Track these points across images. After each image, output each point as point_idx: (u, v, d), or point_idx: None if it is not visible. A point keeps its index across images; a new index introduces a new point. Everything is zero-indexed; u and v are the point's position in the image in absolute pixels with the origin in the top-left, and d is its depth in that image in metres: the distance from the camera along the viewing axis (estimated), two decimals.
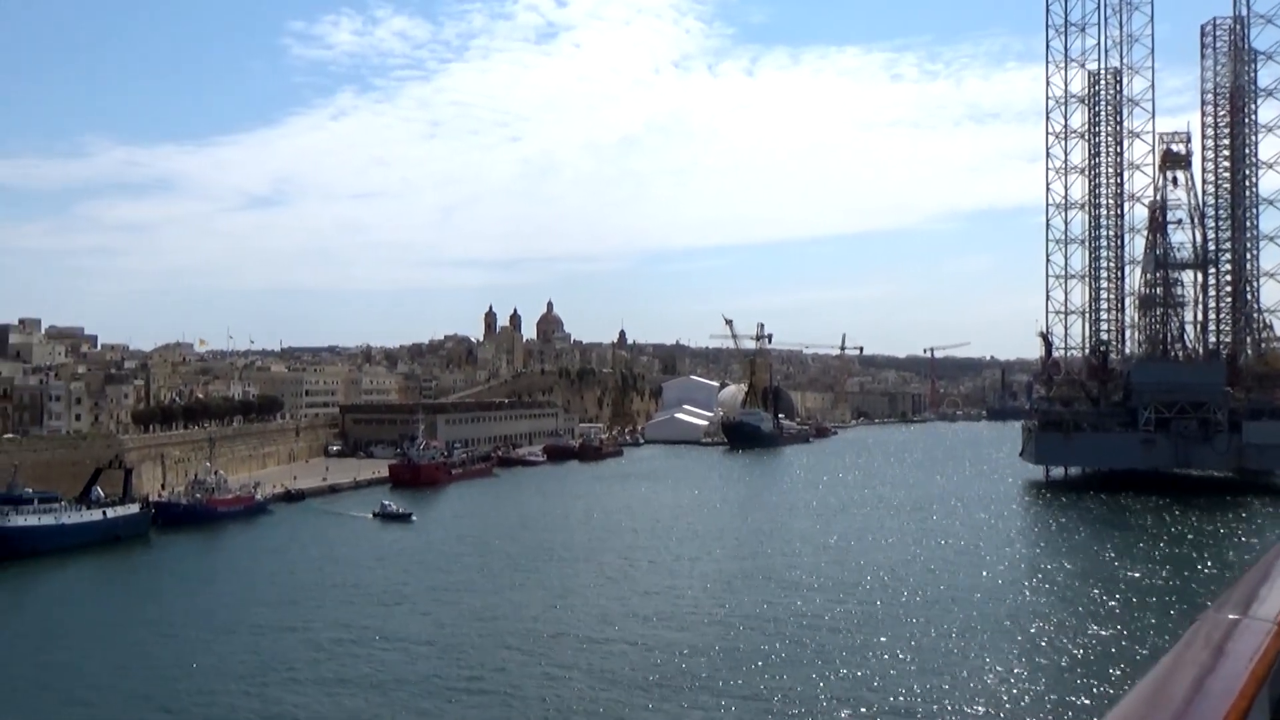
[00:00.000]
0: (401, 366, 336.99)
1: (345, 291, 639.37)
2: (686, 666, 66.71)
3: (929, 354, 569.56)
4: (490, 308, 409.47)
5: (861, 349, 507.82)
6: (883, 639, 73.28)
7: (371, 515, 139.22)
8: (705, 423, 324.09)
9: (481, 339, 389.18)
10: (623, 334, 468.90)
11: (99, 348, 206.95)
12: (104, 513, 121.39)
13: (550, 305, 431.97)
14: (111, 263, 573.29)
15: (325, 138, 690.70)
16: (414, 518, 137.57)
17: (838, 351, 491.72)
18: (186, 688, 65.21)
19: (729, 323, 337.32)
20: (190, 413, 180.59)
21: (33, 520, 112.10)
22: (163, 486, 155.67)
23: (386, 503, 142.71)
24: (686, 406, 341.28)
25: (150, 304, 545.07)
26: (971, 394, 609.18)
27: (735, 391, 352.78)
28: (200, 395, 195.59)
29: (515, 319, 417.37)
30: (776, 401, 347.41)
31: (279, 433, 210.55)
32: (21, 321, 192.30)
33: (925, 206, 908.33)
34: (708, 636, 75.11)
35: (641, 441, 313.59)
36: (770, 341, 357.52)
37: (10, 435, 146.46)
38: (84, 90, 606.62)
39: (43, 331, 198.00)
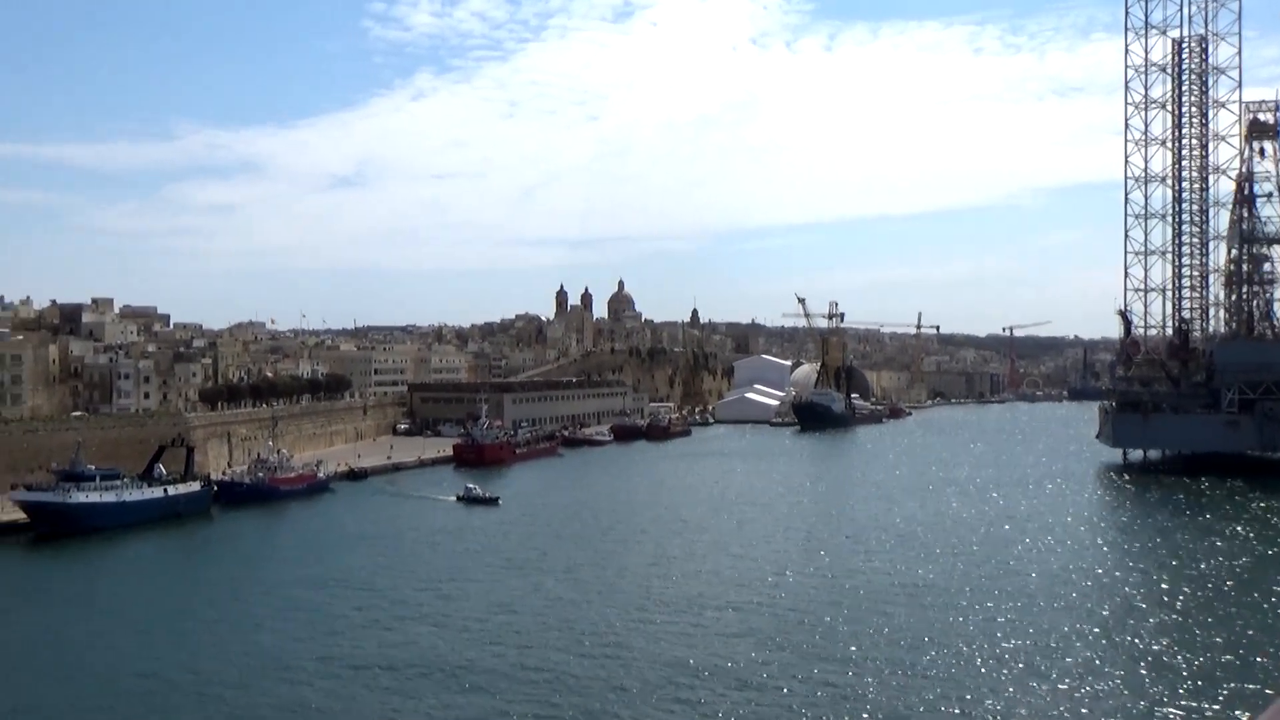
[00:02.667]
0: (472, 346, 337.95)
1: (422, 271, 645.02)
2: (755, 638, 64.91)
3: (1008, 333, 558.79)
4: (561, 286, 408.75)
5: (938, 328, 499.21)
6: (948, 623, 70.69)
7: (456, 499, 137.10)
8: (776, 403, 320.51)
9: (552, 318, 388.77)
10: (695, 313, 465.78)
11: (171, 327, 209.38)
12: (165, 490, 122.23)
13: (621, 284, 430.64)
14: (196, 244, 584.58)
15: (405, 119, 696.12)
16: (500, 501, 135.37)
17: (914, 330, 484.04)
18: (239, 666, 65.03)
19: (802, 301, 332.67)
20: (257, 391, 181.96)
21: (94, 497, 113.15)
22: (229, 464, 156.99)
23: (471, 486, 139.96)
24: (758, 386, 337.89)
25: (229, 284, 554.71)
26: (1053, 374, 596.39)
27: (809, 371, 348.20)
28: (269, 374, 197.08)
29: (586, 298, 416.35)
30: (850, 381, 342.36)
31: (346, 411, 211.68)
32: (94, 301, 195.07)
33: (1007, 182, 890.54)
34: (773, 615, 73.23)
35: (711, 421, 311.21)
36: (844, 320, 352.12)
37: (78, 413, 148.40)
38: (172, 75, 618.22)
39: (116, 311, 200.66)
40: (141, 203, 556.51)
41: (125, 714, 57.58)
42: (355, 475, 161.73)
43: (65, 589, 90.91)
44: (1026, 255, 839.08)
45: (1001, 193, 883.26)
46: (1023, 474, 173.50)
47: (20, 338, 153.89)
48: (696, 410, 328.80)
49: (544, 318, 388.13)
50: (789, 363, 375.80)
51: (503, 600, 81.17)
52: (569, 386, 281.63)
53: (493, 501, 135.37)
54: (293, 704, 58.03)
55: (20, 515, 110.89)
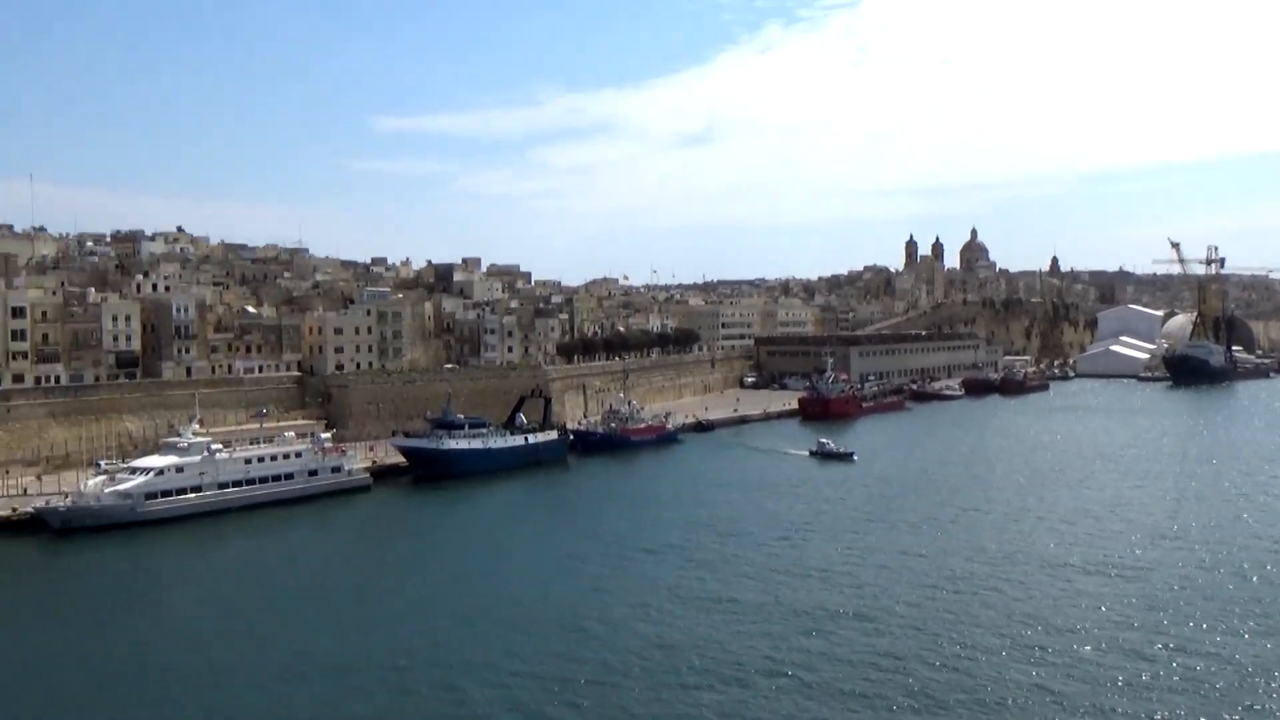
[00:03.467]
0: (819, 298, 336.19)
1: (771, 225, 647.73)
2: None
3: None
4: (911, 237, 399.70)
5: None
6: None
7: (809, 453, 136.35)
8: (1145, 356, 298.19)
9: (901, 269, 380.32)
10: (1055, 261, 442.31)
11: (532, 284, 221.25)
12: (526, 438, 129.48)
13: (974, 233, 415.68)
14: (557, 204, 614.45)
15: (754, 73, 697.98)
16: (855, 457, 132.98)
17: None
18: (606, 600, 68.45)
19: (1176, 246, 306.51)
20: (610, 345, 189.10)
21: (463, 444, 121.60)
22: (584, 415, 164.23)
23: (824, 441, 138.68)
24: (1124, 338, 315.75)
25: (585, 242, 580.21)
26: None
27: (1183, 322, 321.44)
28: (621, 328, 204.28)
29: (937, 248, 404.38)
30: (1231, 332, 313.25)
31: (695, 364, 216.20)
32: (464, 261, 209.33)
33: None
34: (1147, 592, 68.28)
35: (1071, 375, 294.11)
36: (1224, 266, 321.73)
37: (450, 365, 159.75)
38: (537, 42, 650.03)
39: (484, 270, 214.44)
40: (511, 168, 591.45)
41: (487, 631, 61.56)
42: (703, 427, 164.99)
43: (438, 524, 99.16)
44: None
45: None
46: None
47: (400, 296, 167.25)
48: (1055, 364, 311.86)
49: (893, 269, 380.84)
50: (1160, 313, 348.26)
51: (888, 557, 79.57)
52: (918, 339, 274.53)
53: (847, 457, 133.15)
54: (654, 636, 59.65)
55: (401, 459, 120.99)
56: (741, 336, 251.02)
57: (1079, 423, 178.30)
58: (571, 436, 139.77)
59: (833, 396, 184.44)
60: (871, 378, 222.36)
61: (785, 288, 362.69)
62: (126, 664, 57.98)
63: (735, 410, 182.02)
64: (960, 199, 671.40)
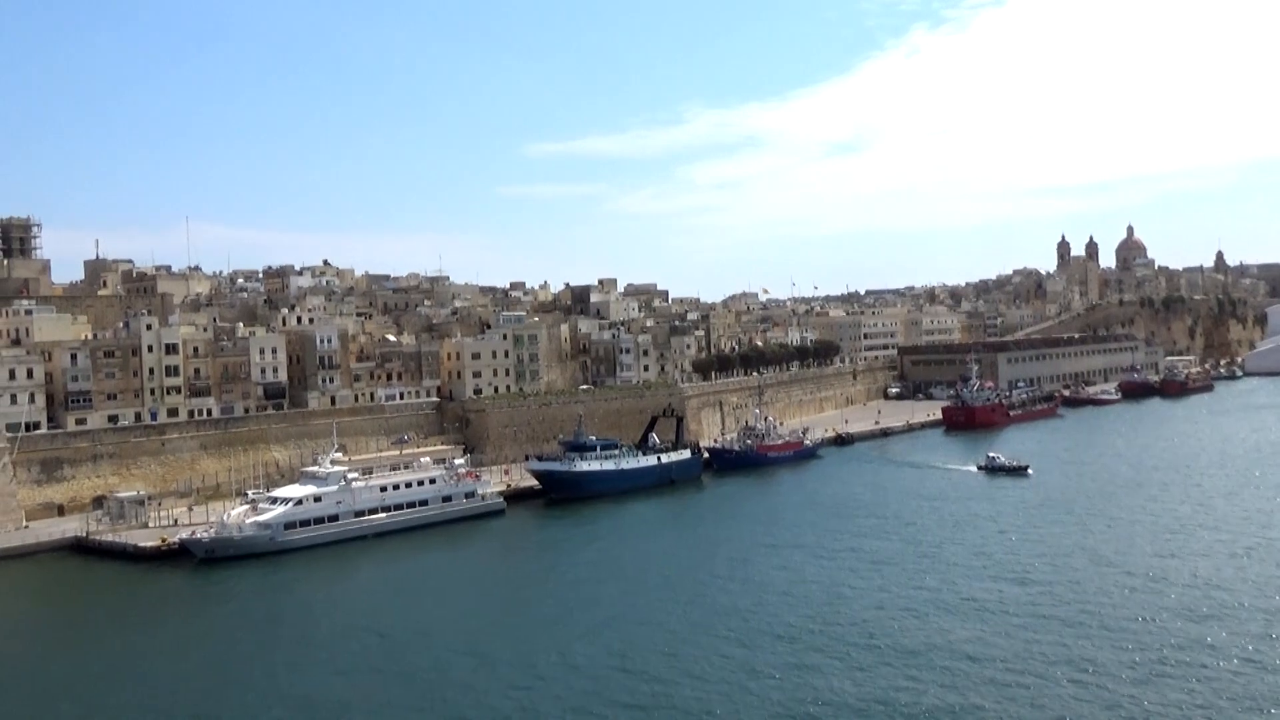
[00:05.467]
0: (965, 304, 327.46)
1: (919, 231, 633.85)
2: None
3: None
4: (1063, 237, 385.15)
5: None
6: None
7: (976, 468, 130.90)
8: None
9: (1052, 271, 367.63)
10: (1220, 255, 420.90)
11: (668, 302, 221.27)
12: (659, 458, 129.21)
13: (1130, 230, 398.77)
14: (702, 221, 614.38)
15: (901, 77, 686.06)
16: (1030, 471, 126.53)
17: None
18: (733, 623, 68.05)
19: None
20: (747, 360, 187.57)
21: (595, 465, 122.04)
22: (721, 431, 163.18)
23: (994, 455, 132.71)
24: None
25: (727, 257, 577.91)
26: None
27: None
28: (758, 343, 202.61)
29: (1091, 247, 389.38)
30: None
31: (835, 376, 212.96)
32: (601, 282, 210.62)
33: None
34: None
35: (1239, 374, 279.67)
36: None
37: (585, 386, 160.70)
38: (681, 61, 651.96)
39: (620, 290, 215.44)
40: (657, 187, 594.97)
41: (613, 641, 61.51)
42: (842, 440, 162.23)
43: (570, 544, 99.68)
44: None
45: None
46: None
47: (536, 319, 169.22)
48: (1221, 363, 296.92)
49: (1043, 271, 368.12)
50: None
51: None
52: (1070, 343, 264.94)
53: (1020, 471, 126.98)
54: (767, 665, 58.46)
55: (535, 482, 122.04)
56: (885, 347, 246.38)
57: (1260, 422, 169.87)
58: (706, 455, 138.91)
59: (978, 405, 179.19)
60: (1021, 384, 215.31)
61: (931, 295, 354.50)
62: (263, 691, 59.63)
63: (877, 422, 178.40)
64: (1115, 195, 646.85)
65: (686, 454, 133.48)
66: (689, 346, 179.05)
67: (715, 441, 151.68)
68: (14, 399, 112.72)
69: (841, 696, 54.77)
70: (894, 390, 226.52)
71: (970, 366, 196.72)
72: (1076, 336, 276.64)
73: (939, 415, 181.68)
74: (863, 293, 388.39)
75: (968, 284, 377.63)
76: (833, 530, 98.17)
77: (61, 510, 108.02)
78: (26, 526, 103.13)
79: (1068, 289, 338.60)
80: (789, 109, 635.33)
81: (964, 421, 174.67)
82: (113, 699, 59.42)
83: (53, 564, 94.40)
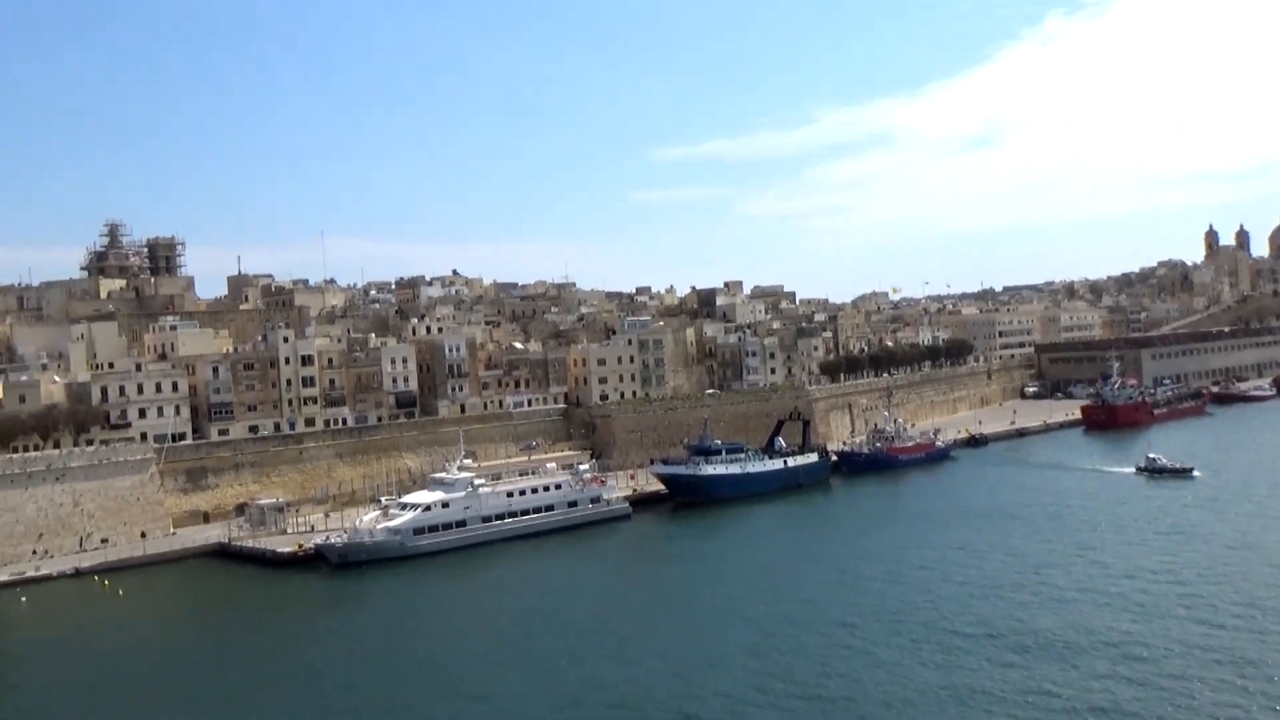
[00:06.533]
0: (1106, 299, 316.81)
1: (1057, 224, 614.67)
2: None
3: None
4: (1210, 226, 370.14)
5: None
6: None
7: (1135, 470, 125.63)
8: None
9: (1200, 262, 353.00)
10: None
11: (796, 304, 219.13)
12: (785, 462, 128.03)
13: None
14: (831, 221, 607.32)
15: (1037, 67, 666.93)
16: (1196, 472, 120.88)
17: None
18: (864, 634, 66.98)
19: None
20: (876, 361, 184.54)
21: (721, 469, 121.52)
22: (850, 434, 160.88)
23: (1154, 456, 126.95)
24: None
25: (857, 257, 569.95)
26: None
27: None
28: (888, 343, 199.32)
29: (1241, 236, 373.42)
30: None
31: (969, 376, 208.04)
32: (727, 285, 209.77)
33: None
34: None
35: None
36: None
37: (711, 390, 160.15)
38: (808, 60, 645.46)
39: (746, 293, 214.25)
40: (786, 187, 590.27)
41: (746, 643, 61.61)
42: (976, 442, 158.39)
43: (694, 551, 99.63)
44: None
45: None
46: None
47: (661, 324, 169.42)
48: None
49: (1190, 263, 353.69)
50: None
51: None
52: (1220, 337, 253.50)
53: (1185, 473, 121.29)
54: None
55: (661, 486, 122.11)
56: (1021, 345, 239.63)
57: None
58: (834, 458, 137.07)
59: (1119, 403, 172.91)
60: (1167, 381, 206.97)
61: (1070, 290, 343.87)
62: (401, 685, 61.31)
63: (1012, 422, 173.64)
64: (1268, 180, 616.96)
65: (813, 457, 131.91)
66: (816, 348, 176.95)
67: (844, 444, 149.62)
68: (161, 411, 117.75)
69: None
70: (1031, 389, 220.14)
71: (1111, 363, 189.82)
72: (1226, 330, 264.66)
73: (1078, 415, 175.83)
74: (998, 290, 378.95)
75: (1109, 278, 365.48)
76: (987, 531, 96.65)
77: (207, 517, 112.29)
78: (174, 533, 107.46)
79: (1216, 280, 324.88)
80: (920, 104, 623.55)
81: (1105, 421, 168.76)
82: (255, 690, 62.88)
83: (198, 569, 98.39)
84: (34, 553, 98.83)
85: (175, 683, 65.50)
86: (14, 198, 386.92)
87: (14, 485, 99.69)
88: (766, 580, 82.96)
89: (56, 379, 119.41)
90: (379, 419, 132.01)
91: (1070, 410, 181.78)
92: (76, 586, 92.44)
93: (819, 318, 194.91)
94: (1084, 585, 75.29)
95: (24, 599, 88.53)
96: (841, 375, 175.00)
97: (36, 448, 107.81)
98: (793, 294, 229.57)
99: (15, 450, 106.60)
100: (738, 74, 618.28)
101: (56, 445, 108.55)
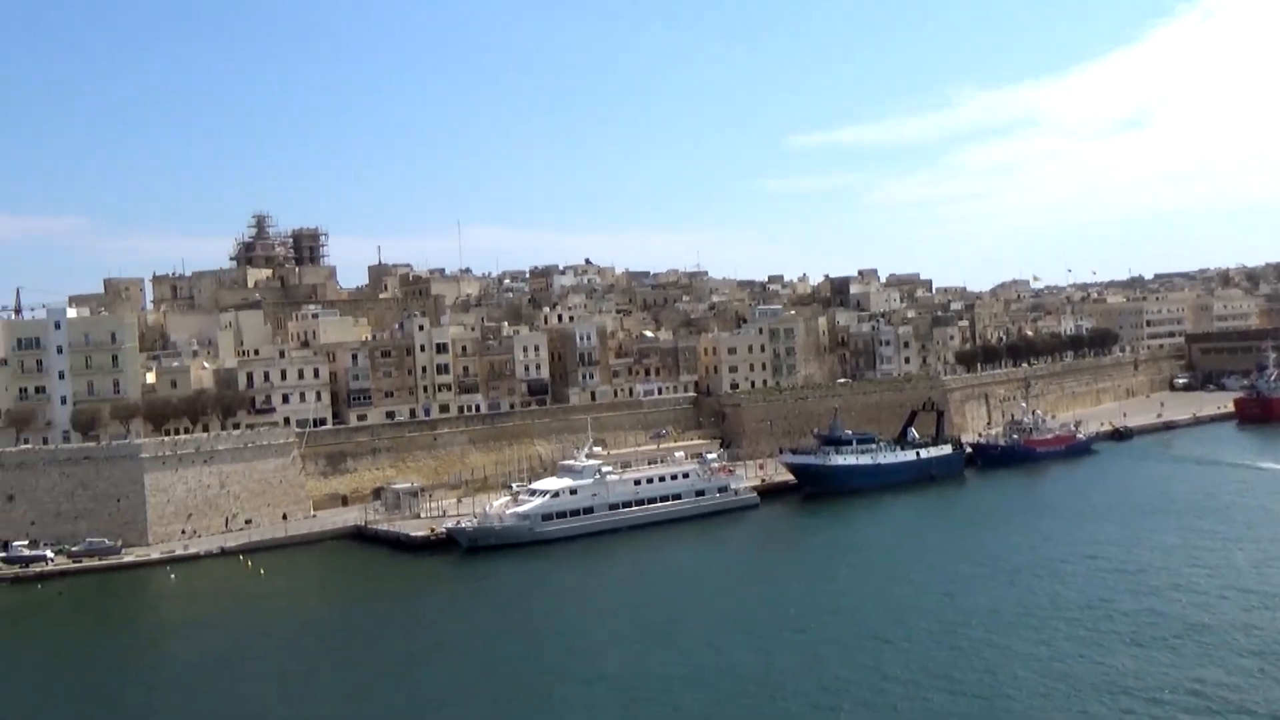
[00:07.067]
0: (1264, 287, 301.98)
1: (1213, 209, 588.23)
2: None
3: None
4: None
5: None
6: None
7: None
8: None
9: None
10: None
11: (932, 292, 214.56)
12: (917, 453, 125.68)
13: None
14: (973, 207, 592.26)
15: (1194, 44, 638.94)
16: None
17: None
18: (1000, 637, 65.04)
19: None
20: (1015, 350, 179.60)
21: (851, 460, 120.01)
22: (988, 425, 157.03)
23: None
24: None
25: (997, 244, 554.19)
26: None
27: None
28: (1028, 332, 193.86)
29: None
30: None
31: (1114, 367, 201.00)
32: (860, 273, 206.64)
33: None
34: None
35: None
36: None
37: (843, 379, 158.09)
38: (948, 42, 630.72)
39: (881, 281, 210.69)
40: (926, 173, 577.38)
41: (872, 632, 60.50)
42: (1120, 435, 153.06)
43: (823, 542, 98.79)
44: None
45: None
46: None
47: (792, 313, 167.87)
48: None
49: None
50: None
51: None
52: None
53: None
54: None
55: (790, 476, 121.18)
56: (1170, 334, 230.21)
57: None
58: (970, 450, 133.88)
59: (1276, 396, 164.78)
60: None
61: (1224, 278, 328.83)
62: (508, 670, 62.34)
63: (1159, 415, 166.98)
64: None
65: (947, 449, 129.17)
66: (952, 337, 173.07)
67: (979, 436, 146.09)
68: (303, 397, 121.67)
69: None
70: (1181, 381, 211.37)
71: (1268, 354, 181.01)
72: None
73: (1230, 408, 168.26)
74: (1148, 278, 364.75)
75: (1267, 265, 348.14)
76: (1131, 527, 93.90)
77: (345, 501, 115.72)
78: (314, 515, 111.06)
79: None
80: (1067, 85, 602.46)
81: (1260, 414, 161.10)
82: (390, 666, 64.72)
83: (337, 550, 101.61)
84: (183, 532, 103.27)
85: (312, 658, 68.07)
86: (172, 192, 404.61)
87: (165, 467, 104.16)
88: (897, 572, 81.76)
89: (206, 365, 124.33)
90: (511, 406, 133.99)
91: (1222, 403, 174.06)
92: (222, 565, 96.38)
93: (955, 306, 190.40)
94: (1241, 585, 72.22)
95: (173, 575, 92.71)
96: (978, 365, 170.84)
97: (186, 431, 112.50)
98: (929, 282, 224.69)
99: (167, 433, 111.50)
100: (876, 59, 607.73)
101: (205, 429, 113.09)
